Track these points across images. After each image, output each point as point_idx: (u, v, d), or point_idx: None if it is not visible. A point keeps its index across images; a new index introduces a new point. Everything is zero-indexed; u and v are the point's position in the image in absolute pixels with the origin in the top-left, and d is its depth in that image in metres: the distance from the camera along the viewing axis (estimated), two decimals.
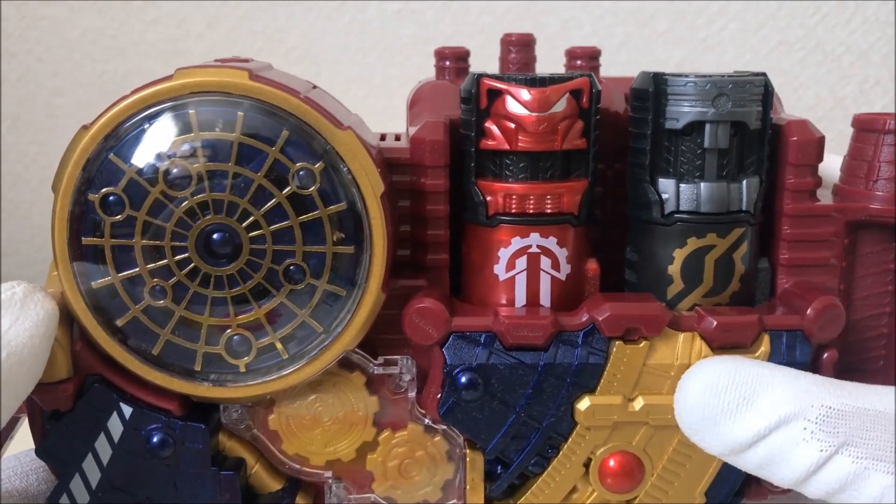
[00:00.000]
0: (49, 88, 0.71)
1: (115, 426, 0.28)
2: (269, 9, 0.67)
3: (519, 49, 0.36)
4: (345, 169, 0.27)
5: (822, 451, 0.25)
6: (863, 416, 0.25)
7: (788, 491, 0.31)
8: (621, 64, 0.59)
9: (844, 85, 0.64)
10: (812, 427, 0.25)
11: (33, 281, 0.28)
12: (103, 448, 0.28)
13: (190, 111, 0.27)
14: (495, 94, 0.29)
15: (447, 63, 0.36)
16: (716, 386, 0.27)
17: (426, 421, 0.30)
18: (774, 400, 0.26)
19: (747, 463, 0.26)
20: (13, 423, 0.44)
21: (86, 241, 0.27)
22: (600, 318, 0.29)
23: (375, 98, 0.68)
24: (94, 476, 0.29)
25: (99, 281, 0.27)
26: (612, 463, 0.30)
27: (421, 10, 0.68)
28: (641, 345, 0.29)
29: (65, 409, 0.28)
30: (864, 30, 0.64)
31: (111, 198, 0.27)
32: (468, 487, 0.30)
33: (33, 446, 0.29)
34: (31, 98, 0.71)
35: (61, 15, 0.69)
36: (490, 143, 0.30)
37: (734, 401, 0.26)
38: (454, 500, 0.31)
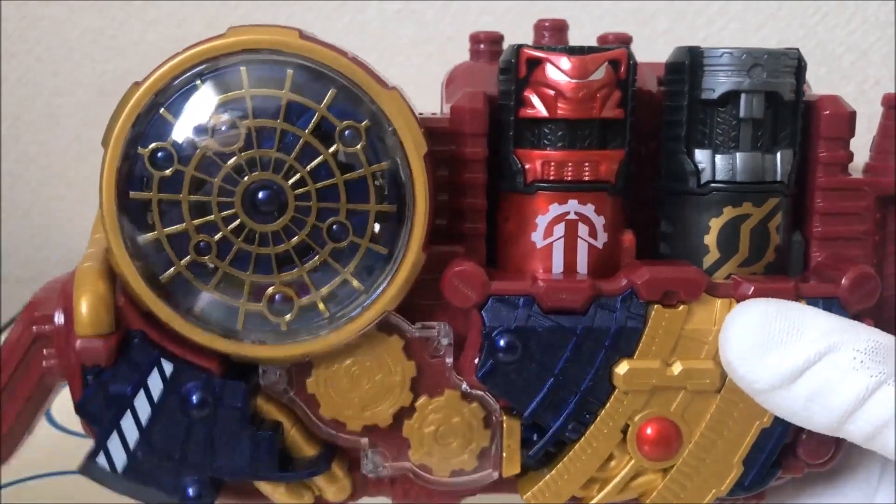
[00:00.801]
0: (49, 88, 0.71)
1: (156, 383, 0.28)
2: (269, 9, 0.67)
3: (552, 34, 0.37)
4: (390, 129, 0.28)
5: (872, 376, 0.25)
6: None
7: (828, 463, 0.31)
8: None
9: (844, 85, 0.65)
10: (861, 356, 0.26)
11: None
12: (142, 406, 0.28)
13: (241, 68, 0.27)
14: (535, 64, 0.30)
15: (481, 46, 0.37)
16: (765, 316, 0.27)
17: (463, 387, 0.30)
18: (824, 329, 0.26)
19: (796, 396, 0.26)
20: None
21: (133, 195, 0.27)
22: (639, 282, 0.29)
23: None
24: (133, 435, 0.28)
25: (145, 235, 0.27)
26: (649, 430, 0.30)
27: (421, 10, 0.68)
28: (680, 309, 0.29)
29: (106, 364, 0.28)
30: (864, 30, 0.65)
31: (160, 153, 0.27)
32: (504, 455, 0.30)
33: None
34: (31, 98, 0.71)
35: (61, 15, 0.69)
36: (529, 111, 0.30)
37: (784, 329, 0.27)
38: (489, 470, 0.31)
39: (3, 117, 0.71)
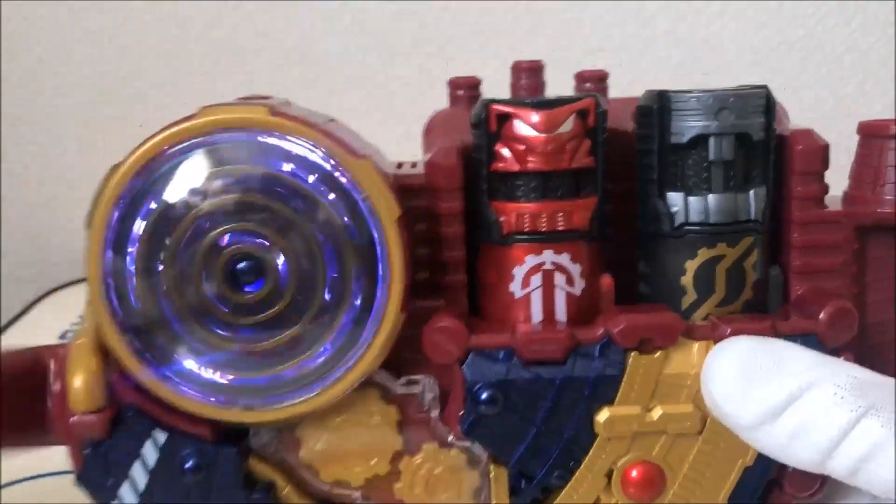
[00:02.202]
0: (49, 88, 0.71)
1: (150, 452, 0.29)
2: (269, 9, 0.67)
3: (529, 75, 0.38)
4: (362, 197, 0.29)
5: (852, 411, 0.26)
6: (886, 388, 0.27)
7: (815, 495, 0.31)
8: (621, 64, 0.59)
9: (844, 85, 0.64)
10: (841, 392, 0.26)
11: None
12: (139, 474, 0.29)
13: (219, 146, 0.28)
14: (504, 118, 0.30)
15: (460, 92, 0.37)
16: (747, 352, 0.28)
17: (450, 438, 0.31)
18: (805, 364, 0.27)
19: (779, 432, 0.27)
20: None
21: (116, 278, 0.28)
22: (615, 330, 0.30)
23: (375, 99, 0.68)
24: (132, 502, 0.30)
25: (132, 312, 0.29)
26: (634, 473, 0.30)
27: (421, 11, 0.68)
28: (657, 355, 0.30)
29: (102, 437, 0.29)
30: (864, 30, 0.64)
31: (142, 230, 0.28)
32: (493, 502, 0.31)
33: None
34: (31, 98, 0.72)
35: (61, 15, 0.70)
36: (501, 165, 0.31)
37: (766, 364, 0.27)
38: None
39: (3, 117, 0.72)
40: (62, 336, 0.49)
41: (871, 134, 0.32)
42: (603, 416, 0.30)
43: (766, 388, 0.27)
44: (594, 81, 0.38)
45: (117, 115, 0.71)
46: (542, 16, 0.66)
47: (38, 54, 0.71)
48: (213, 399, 0.29)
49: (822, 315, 0.30)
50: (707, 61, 0.64)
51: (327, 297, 0.29)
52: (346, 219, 0.29)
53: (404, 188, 0.31)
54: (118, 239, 0.28)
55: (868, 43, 0.65)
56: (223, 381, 0.29)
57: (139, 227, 0.28)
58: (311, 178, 0.28)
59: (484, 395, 0.30)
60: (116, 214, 0.28)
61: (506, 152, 0.31)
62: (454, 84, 0.38)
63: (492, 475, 0.31)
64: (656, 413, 0.30)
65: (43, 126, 0.72)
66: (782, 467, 0.31)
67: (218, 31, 0.69)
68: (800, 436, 0.27)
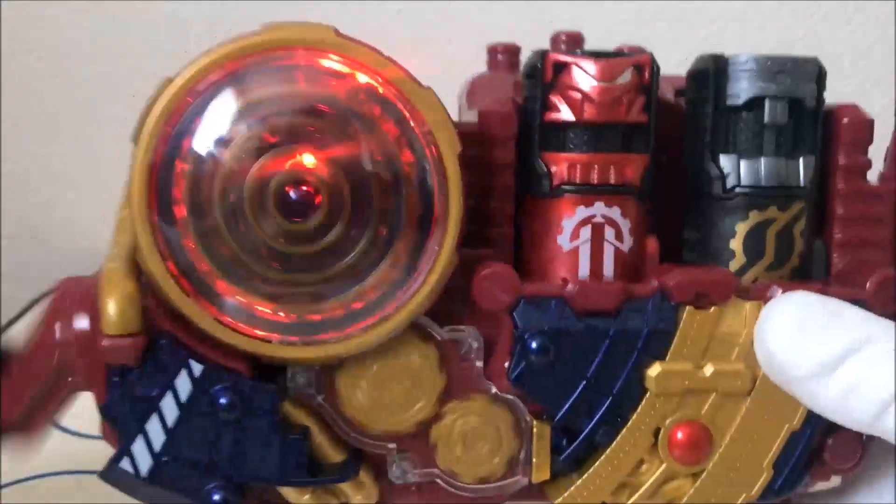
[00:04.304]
0: (49, 88, 0.70)
1: (184, 385, 0.28)
2: (270, 9, 0.67)
3: (569, 47, 0.38)
4: (424, 129, 0.28)
5: None
6: None
7: (855, 467, 0.31)
8: None
9: (844, 85, 0.65)
10: None
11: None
12: (169, 408, 0.28)
13: (278, 65, 0.27)
14: (560, 68, 0.30)
15: (499, 57, 0.37)
16: (803, 306, 0.28)
17: (493, 391, 0.30)
18: (860, 320, 0.27)
19: (834, 386, 0.27)
20: None
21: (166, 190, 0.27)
22: (671, 284, 0.29)
23: None
24: (159, 438, 0.28)
25: (177, 233, 0.27)
26: (680, 434, 0.30)
27: (421, 10, 0.68)
28: (711, 311, 0.29)
29: (132, 364, 0.27)
30: (864, 30, 0.66)
31: (194, 152, 0.27)
32: (535, 460, 0.30)
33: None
34: (31, 98, 0.70)
35: (61, 15, 0.69)
36: (555, 115, 0.30)
37: (823, 317, 0.27)
38: (519, 476, 0.30)
39: (3, 117, 0.70)
40: None
41: None
42: (654, 370, 0.29)
43: (822, 340, 0.27)
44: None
45: (117, 115, 0.69)
46: (542, 16, 0.67)
47: (38, 54, 0.70)
48: (253, 331, 0.28)
49: (869, 283, 0.30)
50: None
51: (382, 229, 0.28)
52: (405, 149, 0.28)
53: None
54: (165, 158, 0.27)
55: (868, 43, 0.66)
56: (264, 312, 0.28)
57: (187, 146, 0.27)
58: (370, 105, 0.27)
59: (534, 344, 0.29)
60: (165, 131, 0.27)
61: (560, 102, 0.30)
62: (493, 50, 0.38)
63: (534, 431, 0.30)
64: (708, 370, 0.29)
65: (43, 126, 0.71)
66: (824, 438, 0.31)
67: (218, 32, 0.68)
68: (855, 390, 0.27)
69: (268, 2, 0.68)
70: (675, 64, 0.66)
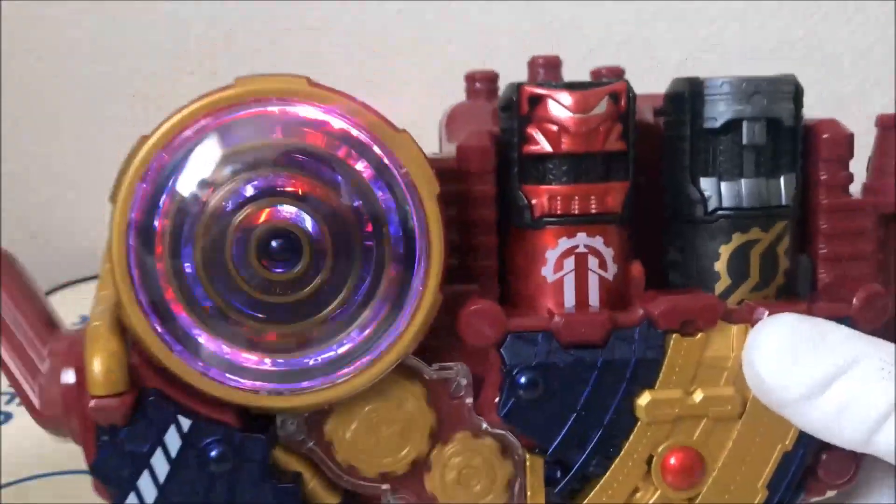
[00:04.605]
0: (49, 88, 0.70)
1: (173, 440, 0.28)
2: (270, 9, 0.67)
3: (547, 70, 0.38)
4: (402, 171, 0.28)
5: None
6: None
7: (849, 482, 0.31)
8: (621, 64, 0.60)
9: (844, 85, 0.65)
10: (888, 366, 0.26)
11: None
12: (160, 464, 0.28)
13: (253, 119, 0.27)
14: (536, 100, 0.30)
15: (477, 85, 0.37)
16: (791, 328, 0.28)
17: (484, 426, 0.30)
18: (848, 340, 0.27)
19: (826, 406, 0.27)
20: None
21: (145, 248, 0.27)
22: (656, 312, 0.29)
23: (375, 98, 0.68)
24: (151, 494, 0.28)
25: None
26: (673, 461, 0.30)
27: (421, 10, 0.68)
28: (698, 337, 0.29)
29: (121, 423, 0.27)
30: (864, 30, 0.65)
31: (170, 207, 0.27)
32: (529, 494, 0.30)
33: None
34: (31, 98, 0.70)
35: (61, 15, 0.69)
36: (533, 147, 0.30)
37: (811, 338, 0.27)
38: None
39: (3, 117, 0.70)
40: None
41: (891, 126, 0.33)
42: (644, 399, 0.29)
43: (810, 362, 0.27)
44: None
45: (117, 115, 0.69)
46: (541, 16, 0.66)
47: (38, 54, 0.70)
48: (240, 383, 0.28)
49: (855, 299, 0.30)
50: (707, 61, 0.65)
51: (365, 273, 0.28)
52: (383, 193, 0.28)
53: (435, 172, 0.30)
54: (143, 215, 0.27)
55: (868, 43, 0.65)
56: (250, 363, 0.28)
57: (166, 202, 0.27)
58: (348, 151, 0.27)
59: (523, 379, 0.29)
60: (142, 188, 0.27)
61: (538, 135, 0.30)
62: (471, 78, 0.38)
63: (527, 465, 0.30)
64: (697, 396, 0.29)
65: (43, 126, 0.71)
66: (817, 455, 0.31)
67: (218, 31, 0.68)
68: (846, 410, 0.27)
69: (268, 2, 0.68)
70: (675, 64, 0.66)
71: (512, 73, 0.37)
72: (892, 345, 0.28)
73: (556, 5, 0.66)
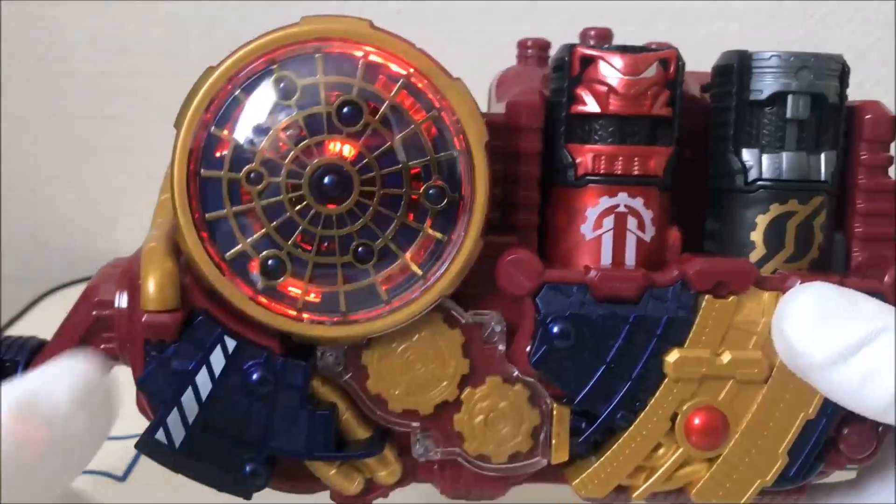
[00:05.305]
0: (49, 88, 0.71)
1: (218, 360, 0.29)
2: (270, 9, 0.68)
3: (598, 42, 0.38)
4: (454, 119, 0.29)
5: None
6: None
7: (870, 457, 0.32)
8: None
9: None
10: None
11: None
12: (204, 382, 0.29)
13: (315, 56, 0.28)
14: (587, 62, 0.31)
15: (529, 51, 0.38)
16: (822, 294, 0.28)
17: (514, 373, 0.31)
18: (877, 310, 0.28)
19: (852, 373, 0.27)
20: None
21: (205, 173, 0.28)
22: (691, 272, 0.30)
23: None
24: (192, 411, 0.29)
25: (213, 213, 0.28)
26: (697, 420, 0.30)
27: (421, 10, 0.69)
28: (730, 300, 0.30)
29: (170, 340, 0.29)
30: (864, 30, 0.65)
31: (233, 136, 0.28)
32: (554, 442, 0.31)
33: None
34: (31, 98, 0.71)
35: (61, 15, 0.70)
36: (581, 107, 0.31)
37: (841, 306, 0.28)
38: (539, 457, 0.31)
39: (3, 117, 0.71)
40: None
41: None
42: (673, 356, 0.30)
43: (839, 328, 0.28)
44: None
45: (117, 115, 0.71)
46: (542, 16, 0.67)
47: (38, 54, 0.71)
48: (285, 311, 0.29)
49: (887, 276, 0.31)
50: (707, 61, 0.65)
51: (410, 214, 0.29)
52: (434, 138, 0.29)
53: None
54: (206, 144, 0.28)
55: (868, 43, 0.66)
56: (297, 292, 0.29)
57: (228, 134, 0.28)
58: (404, 94, 0.28)
59: (556, 328, 0.30)
60: (205, 117, 0.28)
61: (586, 95, 0.31)
62: (523, 44, 0.38)
63: (554, 413, 0.31)
64: (725, 357, 0.30)
65: (43, 126, 0.72)
66: (839, 427, 0.31)
67: (218, 31, 0.69)
68: (870, 377, 0.27)
69: (268, 2, 0.69)
70: None
71: None
72: None
73: (557, 6, 0.66)
